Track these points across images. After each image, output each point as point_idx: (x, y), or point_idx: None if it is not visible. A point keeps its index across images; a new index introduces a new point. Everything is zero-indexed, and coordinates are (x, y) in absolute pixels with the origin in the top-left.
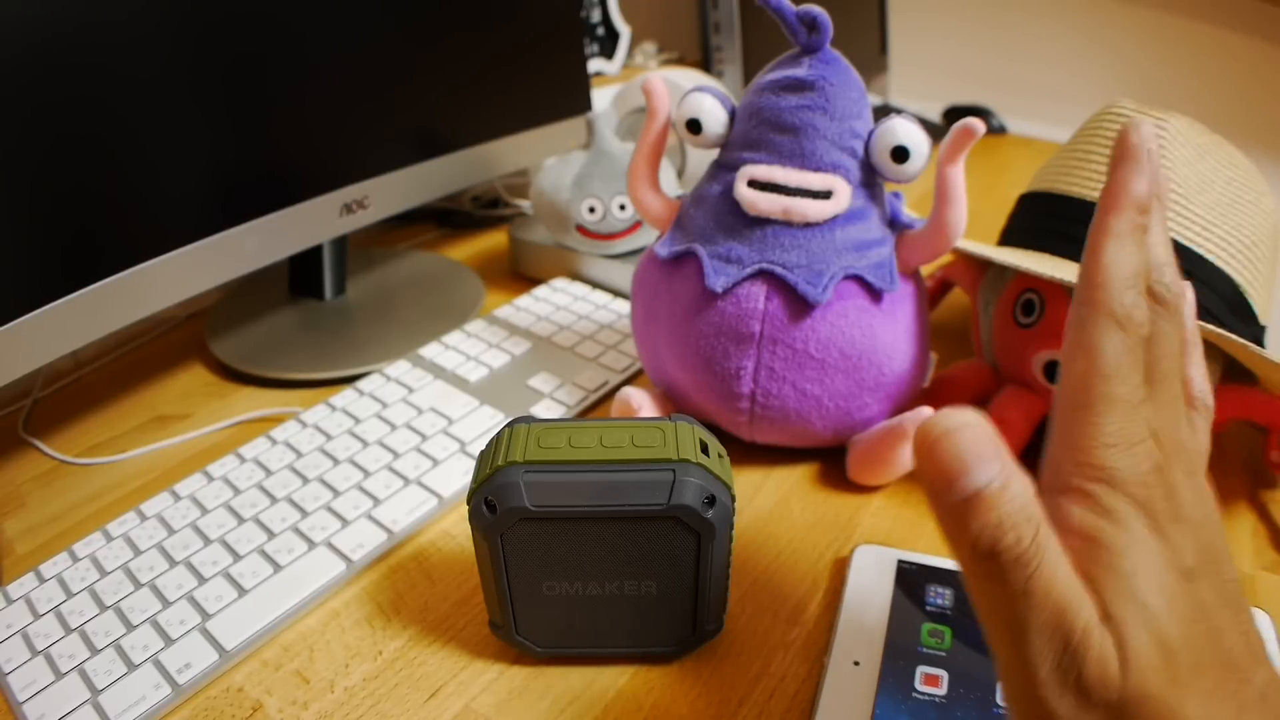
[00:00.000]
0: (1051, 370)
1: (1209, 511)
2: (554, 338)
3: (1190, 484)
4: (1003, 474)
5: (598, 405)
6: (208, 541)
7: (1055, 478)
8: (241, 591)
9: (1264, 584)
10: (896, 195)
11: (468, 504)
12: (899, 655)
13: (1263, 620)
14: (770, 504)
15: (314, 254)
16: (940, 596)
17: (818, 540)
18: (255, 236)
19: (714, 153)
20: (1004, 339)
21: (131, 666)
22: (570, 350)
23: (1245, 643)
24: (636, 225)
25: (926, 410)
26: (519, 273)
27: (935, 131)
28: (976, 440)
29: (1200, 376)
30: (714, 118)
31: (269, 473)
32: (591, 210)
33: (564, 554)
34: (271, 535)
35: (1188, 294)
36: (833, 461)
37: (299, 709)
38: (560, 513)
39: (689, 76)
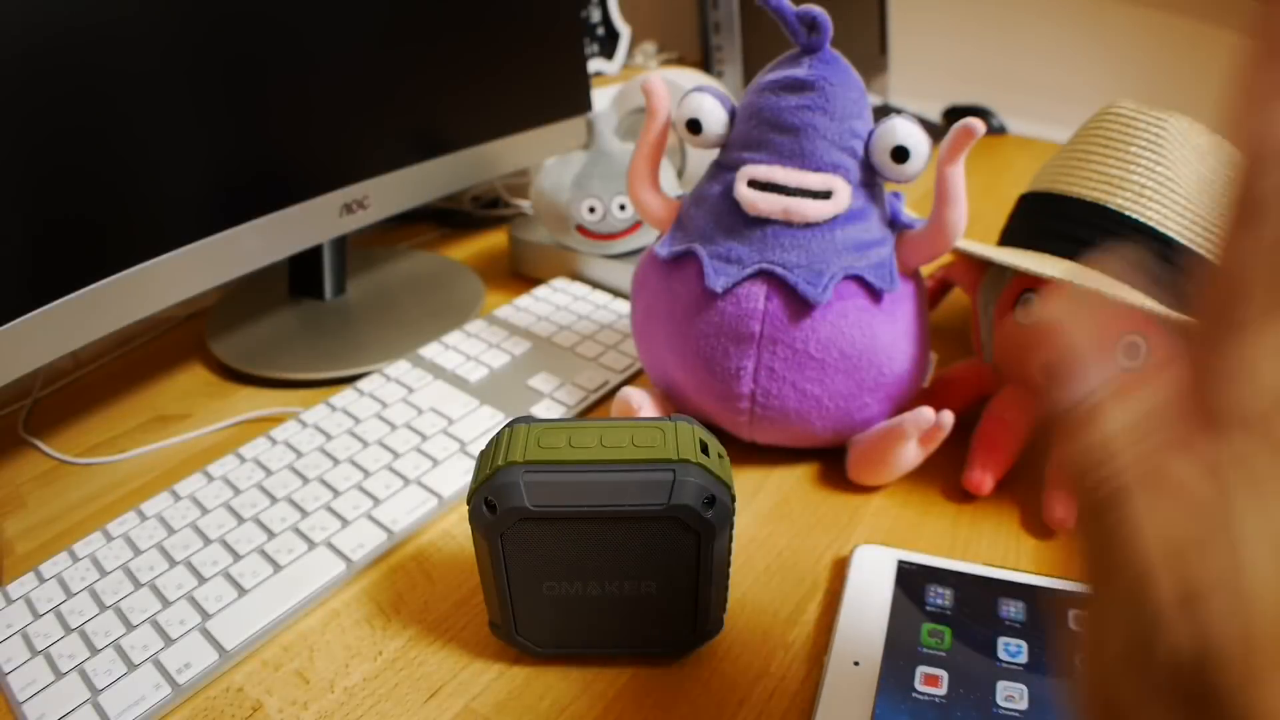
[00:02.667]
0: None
1: None
2: (554, 338)
3: None
4: (1113, 382)
5: (598, 405)
6: (208, 541)
7: (1174, 414)
8: (241, 591)
9: None
10: (896, 195)
11: (468, 504)
12: (899, 655)
13: None
14: (770, 504)
15: (314, 254)
16: (940, 596)
17: (818, 540)
18: (255, 236)
19: (714, 153)
20: (1004, 339)
21: (131, 666)
22: (570, 350)
23: None
24: (636, 225)
25: (927, 410)
26: (519, 273)
27: (935, 131)
28: (1094, 336)
29: None
30: (714, 118)
31: (269, 473)
32: (591, 210)
33: (564, 554)
34: (271, 535)
35: None
36: (833, 461)
37: (299, 709)
38: (560, 513)
39: (689, 76)
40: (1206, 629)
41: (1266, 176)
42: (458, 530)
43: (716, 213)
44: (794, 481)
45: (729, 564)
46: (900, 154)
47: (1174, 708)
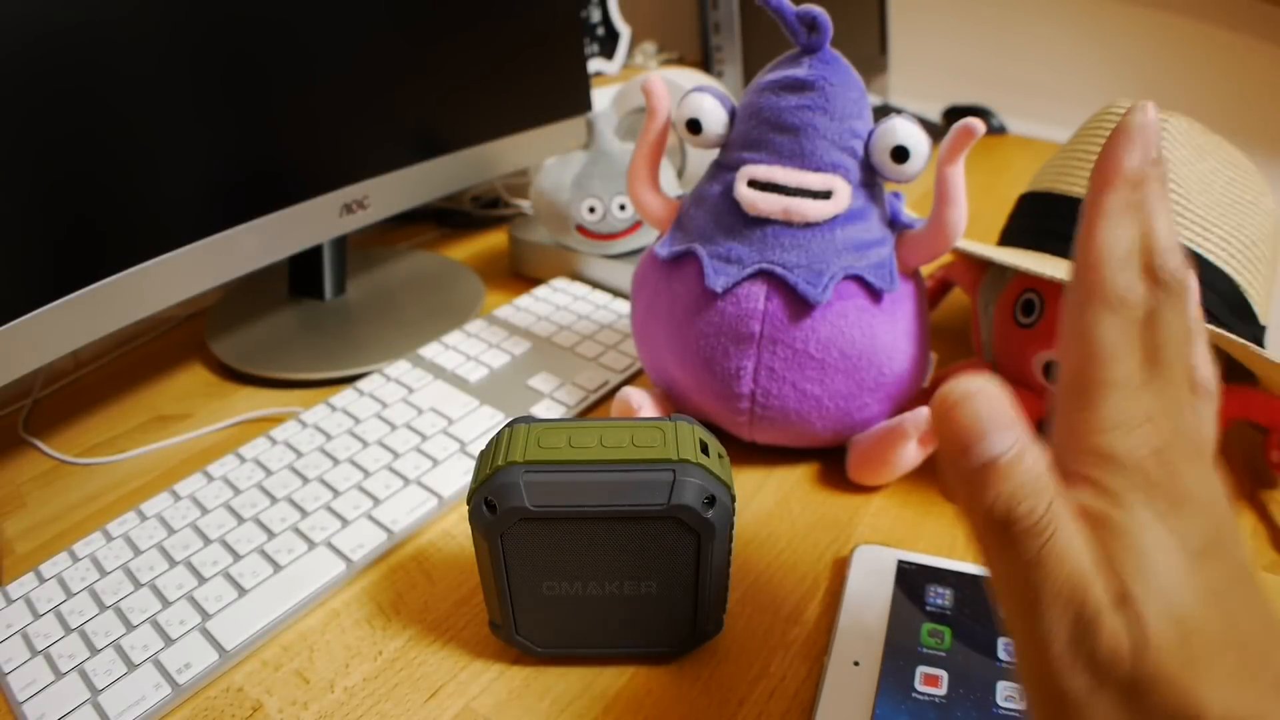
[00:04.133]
0: (1051, 370)
1: (1216, 495)
2: (554, 338)
3: (1195, 468)
4: (1018, 444)
5: (598, 405)
6: (208, 541)
7: (1057, 467)
8: (241, 591)
9: (1263, 584)
10: (896, 195)
11: (468, 504)
12: (899, 655)
13: None
14: (770, 504)
15: (314, 254)
16: (940, 596)
17: (818, 540)
18: (255, 236)
19: (714, 153)
20: (1004, 339)
21: (131, 666)
22: (570, 350)
23: (1262, 625)
24: (636, 225)
25: (927, 410)
26: (519, 273)
27: (935, 131)
28: (993, 408)
29: (1205, 363)
30: (714, 118)
31: (269, 473)
32: (591, 210)
33: (564, 554)
34: (271, 535)
35: (1191, 282)
36: (833, 461)
37: (299, 709)
38: (560, 513)
39: (689, 76)
40: (1142, 621)
41: (1122, 273)
42: (458, 530)
43: (716, 213)
44: (794, 481)
45: (729, 564)
46: (900, 154)
47: (1121, 692)
